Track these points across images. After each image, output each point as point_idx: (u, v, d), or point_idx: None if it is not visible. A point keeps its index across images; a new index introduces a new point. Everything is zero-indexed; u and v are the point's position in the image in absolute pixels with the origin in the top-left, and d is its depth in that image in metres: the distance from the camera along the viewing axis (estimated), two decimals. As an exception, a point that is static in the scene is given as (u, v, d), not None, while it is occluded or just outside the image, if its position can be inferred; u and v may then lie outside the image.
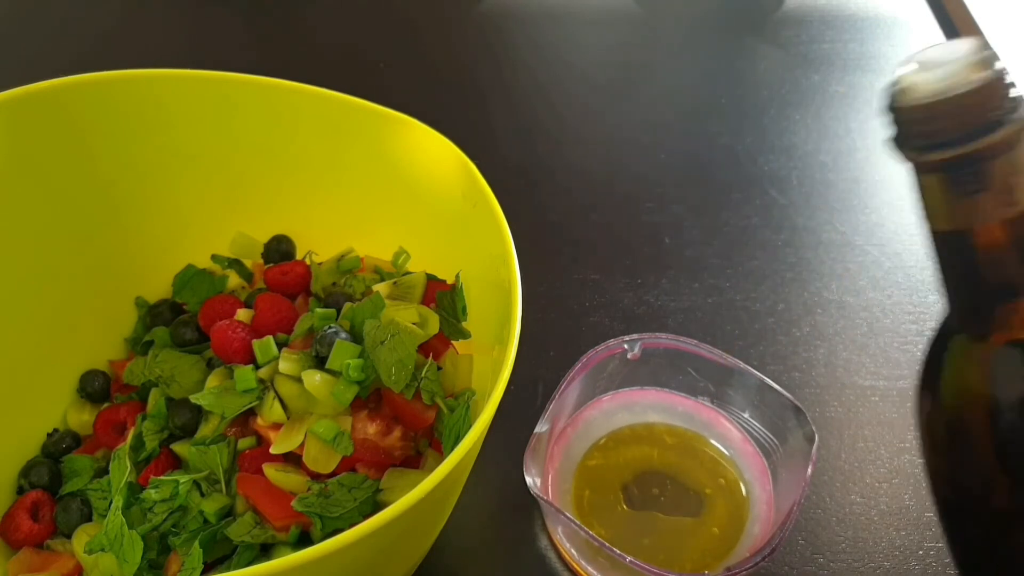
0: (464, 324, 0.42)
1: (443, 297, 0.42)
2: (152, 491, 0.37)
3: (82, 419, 0.43)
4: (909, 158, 0.26)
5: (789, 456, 0.41)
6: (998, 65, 0.25)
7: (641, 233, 0.59)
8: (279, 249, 0.47)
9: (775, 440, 0.42)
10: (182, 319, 0.45)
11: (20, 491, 0.41)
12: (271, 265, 0.47)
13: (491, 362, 0.37)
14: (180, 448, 0.39)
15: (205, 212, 0.46)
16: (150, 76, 0.41)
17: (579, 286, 0.55)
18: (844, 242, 0.58)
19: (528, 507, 0.44)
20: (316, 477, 0.37)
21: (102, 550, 0.35)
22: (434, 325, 0.41)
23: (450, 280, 0.42)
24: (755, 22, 0.78)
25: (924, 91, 0.25)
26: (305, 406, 0.38)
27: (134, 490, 0.38)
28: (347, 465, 0.38)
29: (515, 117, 0.68)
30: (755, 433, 0.44)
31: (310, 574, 0.27)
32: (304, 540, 0.37)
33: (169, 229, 0.46)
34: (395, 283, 0.42)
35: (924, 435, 0.28)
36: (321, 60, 0.72)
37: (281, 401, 0.38)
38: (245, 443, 0.39)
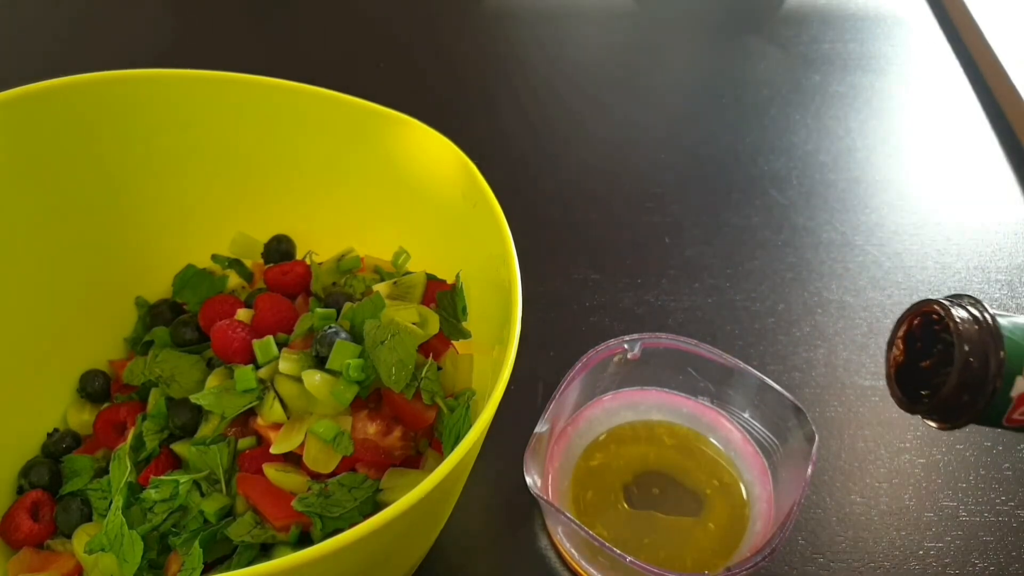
0: (464, 324, 0.42)
1: (443, 297, 0.42)
2: (152, 491, 0.37)
3: (82, 419, 0.43)
4: None
5: (789, 456, 0.41)
6: None
7: (641, 233, 0.59)
8: (279, 249, 0.47)
9: (775, 440, 0.42)
10: (182, 319, 0.45)
11: (20, 491, 0.41)
12: (271, 265, 0.47)
13: (491, 362, 0.37)
14: (180, 448, 0.39)
15: (205, 212, 0.46)
16: (150, 76, 0.41)
17: (579, 286, 0.55)
18: (844, 242, 0.58)
19: (528, 507, 0.44)
20: (316, 477, 0.37)
21: (102, 550, 0.35)
22: (434, 325, 0.41)
23: (450, 280, 0.42)
24: (755, 22, 0.78)
25: None
26: (305, 406, 0.38)
27: (134, 490, 0.38)
28: (347, 465, 0.38)
29: (515, 117, 0.68)
30: (755, 433, 0.44)
31: (310, 574, 0.27)
32: (304, 540, 0.37)
33: (169, 229, 0.46)
34: (395, 283, 0.42)
35: None
36: (321, 60, 0.72)
37: (281, 401, 0.38)
38: (245, 443, 0.39)
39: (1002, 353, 0.30)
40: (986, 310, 0.31)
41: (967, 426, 0.32)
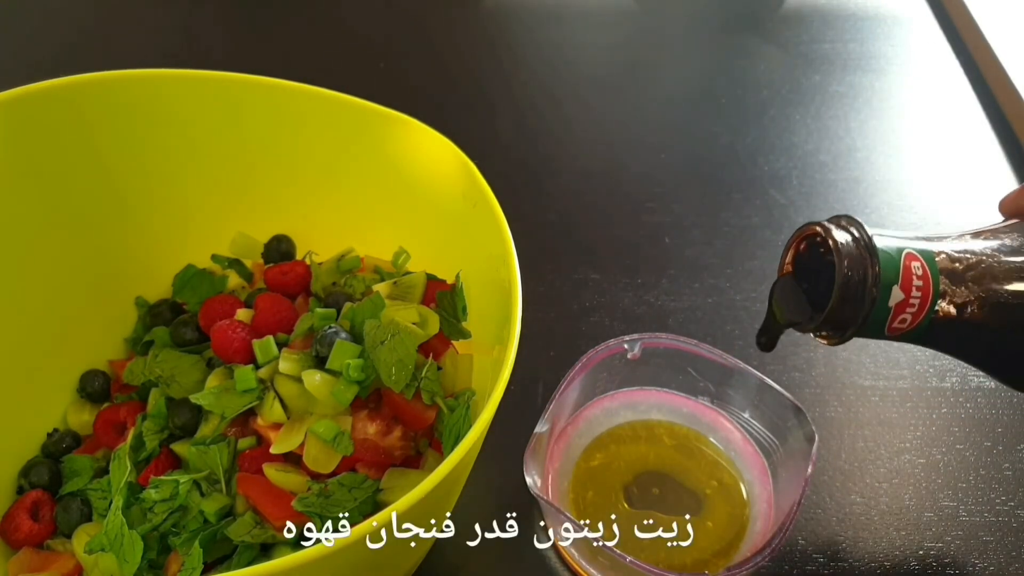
0: (464, 324, 0.42)
1: (443, 297, 0.42)
2: (152, 491, 0.37)
3: (82, 419, 0.43)
4: None
5: (789, 456, 0.41)
6: None
7: (641, 233, 0.59)
8: (279, 249, 0.47)
9: (775, 440, 0.42)
10: (182, 319, 0.45)
11: (20, 491, 0.41)
12: (271, 265, 0.47)
13: (491, 362, 0.37)
14: (180, 448, 0.39)
15: (206, 212, 0.46)
16: (152, 76, 0.41)
17: (579, 286, 0.55)
18: (844, 242, 0.58)
19: (528, 507, 0.44)
20: (316, 477, 0.37)
21: (102, 550, 0.35)
22: (434, 325, 0.41)
23: (450, 280, 0.42)
24: (755, 22, 0.78)
25: None
26: (305, 406, 0.38)
27: (134, 490, 0.38)
28: (347, 465, 0.38)
29: (515, 117, 0.68)
30: (755, 433, 0.44)
31: (310, 574, 0.27)
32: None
33: (170, 229, 0.46)
34: (395, 283, 0.42)
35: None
36: (321, 60, 0.72)
37: (281, 401, 0.38)
38: (245, 443, 0.39)
39: (877, 267, 0.33)
40: (863, 228, 0.34)
41: (853, 338, 0.35)
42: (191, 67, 0.42)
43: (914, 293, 0.33)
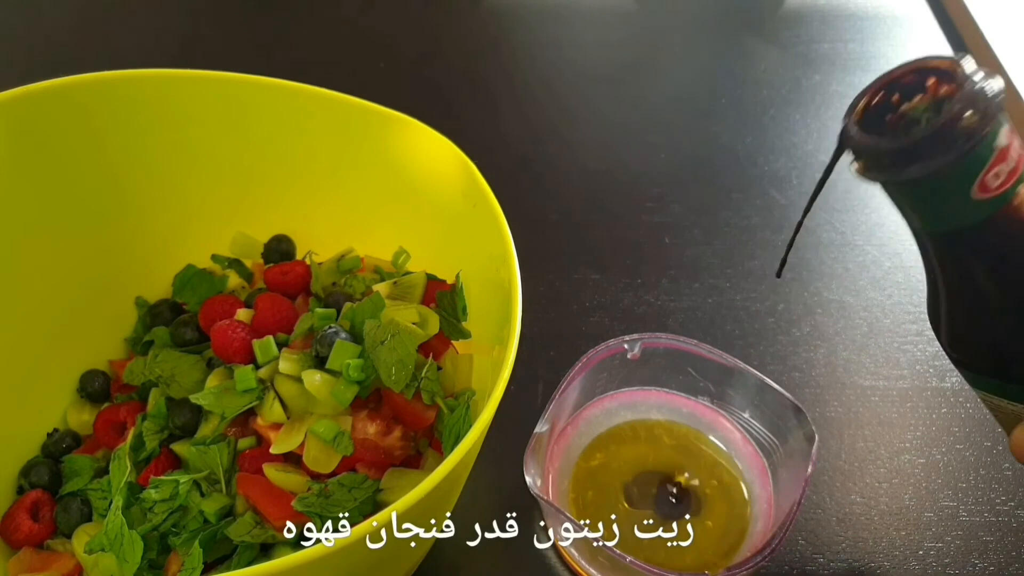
0: (464, 324, 0.42)
1: (443, 297, 0.42)
2: (152, 491, 0.37)
3: (82, 419, 0.43)
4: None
5: (789, 456, 0.41)
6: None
7: (641, 233, 0.59)
8: (279, 249, 0.47)
9: (775, 440, 0.42)
10: (182, 319, 0.45)
11: (20, 491, 0.41)
12: (271, 265, 0.47)
13: (491, 362, 0.37)
14: (180, 448, 0.39)
15: (206, 211, 0.46)
16: (153, 76, 0.41)
17: (579, 286, 0.55)
18: (844, 242, 0.58)
19: (528, 507, 0.44)
20: (316, 477, 0.37)
21: (102, 550, 0.35)
22: (434, 325, 0.41)
23: (450, 280, 0.42)
24: (755, 22, 0.78)
25: None
26: (305, 406, 0.38)
27: (134, 490, 0.38)
28: (347, 465, 0.38)
29: (515, 117, 0.68)
30: (755, 433, 0.44)
31: (310, 574, 0.27)
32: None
33: (170, 228, 0.46)
34: (395, 283, 0.42)
35: None
36: (321, 60, 0.72)
37: (281, 401, 0.38)
38: (245, 443, 0.39)
39: (999, 97, 0.30)
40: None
41: (912, 179, 0.32)
42: (192, 67, 0.42)
43: (1014, 151, 0.30)
